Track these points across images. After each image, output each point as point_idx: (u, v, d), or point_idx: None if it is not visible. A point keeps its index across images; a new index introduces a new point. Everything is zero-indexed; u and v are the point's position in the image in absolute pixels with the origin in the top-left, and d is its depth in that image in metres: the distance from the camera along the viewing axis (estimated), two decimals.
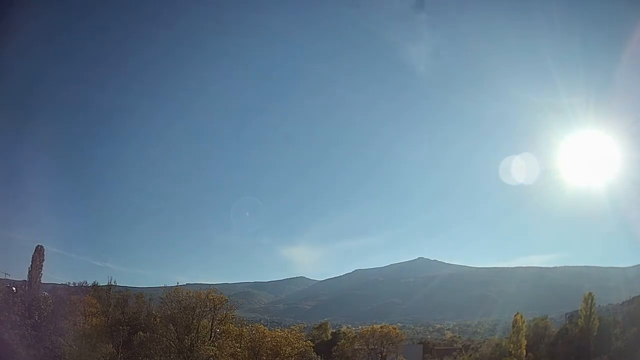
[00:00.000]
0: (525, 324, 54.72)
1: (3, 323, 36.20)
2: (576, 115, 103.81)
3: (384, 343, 55.52)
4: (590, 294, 52.40)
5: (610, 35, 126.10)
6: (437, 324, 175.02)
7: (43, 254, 48.73)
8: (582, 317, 51.26)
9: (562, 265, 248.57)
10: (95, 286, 50.30)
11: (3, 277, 48.97)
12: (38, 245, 49.36)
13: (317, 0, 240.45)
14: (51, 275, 54.01)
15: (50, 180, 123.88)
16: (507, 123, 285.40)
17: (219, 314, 41.81)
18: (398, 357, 55.23)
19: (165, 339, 39.10)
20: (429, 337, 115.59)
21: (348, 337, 61.80)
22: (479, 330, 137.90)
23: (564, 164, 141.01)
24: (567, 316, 69.96)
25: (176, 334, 38.79)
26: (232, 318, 44.47)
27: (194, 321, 39.52)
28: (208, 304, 40.65)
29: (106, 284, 50.51)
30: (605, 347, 48.65)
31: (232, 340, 41.72)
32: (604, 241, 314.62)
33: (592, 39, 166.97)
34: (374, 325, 59.66)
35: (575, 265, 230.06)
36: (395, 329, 60.66)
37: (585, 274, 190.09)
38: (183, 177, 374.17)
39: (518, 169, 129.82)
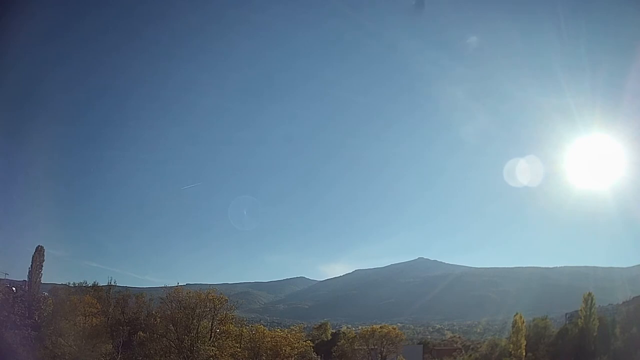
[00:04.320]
0: (524, 324, 54.69)
1: (3, 323, 36.21)
2: (582, 117, 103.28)
3: (384, 343, 55.61)
4: (590, 294, 52.37)
5: (617, 36, 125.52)
6: (437, 324, 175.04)
7: (43, 254, 48.73)
8: (582, 317, 51.21)
9: (563, 265, 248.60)
10: (95, 286, 50.22)
11: (3, 277, 48.95)
12: (38, 246, 49.38)
13: (319, 2, 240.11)
14: (51, 275, 54.11)
15: (50, 182, 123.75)
16: (512, 125, 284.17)
17: (219, 314, 41.79)
18: (398, 357, 55.28)
19: (165, 339, 39.12)
20: (429, 337, 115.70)
21: (348, 337, 61.84)
22: (479, 330, 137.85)
23: (569, 166, 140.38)
24: (567, 316, 69.98)
25: (176, 334, 38.79)
26: (232, 318, 44.46)
27: (194, 321, 39.50)
28: (208, 304, 40.64)
29: (106, 284, 50.50)
30: (605, 347, 48.60)
31: (232, 341, 41.71)
32: (607, 242, 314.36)
33: (599, 40, 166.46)
34: (374, 326, 59.75)
35: (575, 265, 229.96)
36: (395, 329, 60.76)
37: (585, 273, 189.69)
38: (184, 178, 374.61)
39: (522, 171, 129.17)
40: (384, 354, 55.44)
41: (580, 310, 52.20)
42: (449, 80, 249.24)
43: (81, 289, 48.91)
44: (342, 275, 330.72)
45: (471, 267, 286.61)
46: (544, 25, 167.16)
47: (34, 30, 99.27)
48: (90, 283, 50.85)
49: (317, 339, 66.38)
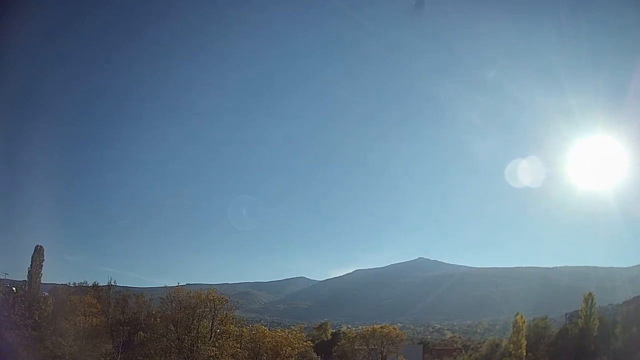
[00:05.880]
0: (525, 324, 54.64)
1: (3, 323, 36.18)
2: (584, 117, 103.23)
3: (384, 343, 55.62)
4: (590, 294, 52.32)
5: (619, 36, 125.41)
6: (437, 324, 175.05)
7: (43, 254, 48.83)
8: (582, 317, 51.15)
9: (563, 265, 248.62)
10: (95, 286, 50.20)
11: (3, 277, 48.96)
12: (38, 246, 49.52)
13: (319, 2, 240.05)
14: (51, 275, 54.14)
15: (50, 182, 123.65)
16: (513, 126, 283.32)
17: (219, 314, 41.71)
18: (398, 357, 55.28)
19: (165, 339, 39.08)
20: (429, 337, 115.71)
21: (348, 337, 61.80)
22: (479, 330, 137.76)
23: (571, 167, 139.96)
24: (567, 316, 69.93)
25: (176, 334, 38.77)
26: (233, 318, 44.42)
27: (194, 321, 39.46)
28: (208, 304, 40.58)
29: (106, 284, 50.47)
30: (606, 347, 48.56)
31: (232, 341, 41.66)
32: (607, 242, 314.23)
33: (600, 40, 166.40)
34: (374, 326, 59.76)
35: (576, 265, 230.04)
36: (395, 329, 60.81)
37: (585, 273, 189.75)
38: (184, 178, 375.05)
39: (524, 172, 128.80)
40: (384, 354, 55.44)
41: (581, 310, 52.14)
42: (449, 81, 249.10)
43: (81, 289, 48.88)
44: (342, 275, 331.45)
45: (472, 267, 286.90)
46: (544, 26, 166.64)
47: (34, 30, 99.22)
48: (90, 283, 50.89)
49: (317, 339, 66.34)
